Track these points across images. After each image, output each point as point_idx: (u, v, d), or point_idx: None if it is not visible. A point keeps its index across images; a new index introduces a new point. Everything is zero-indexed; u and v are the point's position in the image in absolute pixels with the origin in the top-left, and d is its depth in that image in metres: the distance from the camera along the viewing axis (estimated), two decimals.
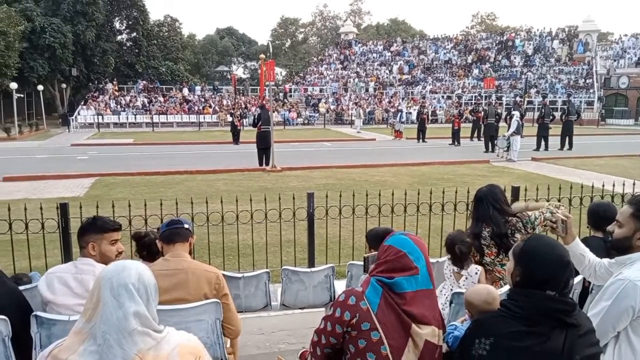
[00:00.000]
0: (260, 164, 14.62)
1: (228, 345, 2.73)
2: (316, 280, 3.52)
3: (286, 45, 70.33)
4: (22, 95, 30.26)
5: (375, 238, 2.78)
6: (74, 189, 11.28)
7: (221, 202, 5.29)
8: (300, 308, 3.74)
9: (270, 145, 14.16)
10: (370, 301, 1.77)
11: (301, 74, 49.50)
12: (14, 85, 26.99)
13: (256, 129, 14.91)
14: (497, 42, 48.57)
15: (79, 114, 33.88)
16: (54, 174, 13.14)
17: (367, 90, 42.78)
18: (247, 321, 3.81)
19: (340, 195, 5.46)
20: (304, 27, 73.87)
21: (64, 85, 39.17)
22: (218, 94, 40.80)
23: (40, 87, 32.31)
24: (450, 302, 2.79)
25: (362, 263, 3.67)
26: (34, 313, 2.31)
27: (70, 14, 36.81)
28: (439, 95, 41.15)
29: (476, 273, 3.17)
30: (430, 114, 33.39)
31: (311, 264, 5.45)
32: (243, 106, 35.09)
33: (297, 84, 44.91)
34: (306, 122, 36.17)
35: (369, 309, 1.75)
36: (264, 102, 15.79)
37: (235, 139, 22.64)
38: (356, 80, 44.42)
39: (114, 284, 1.44)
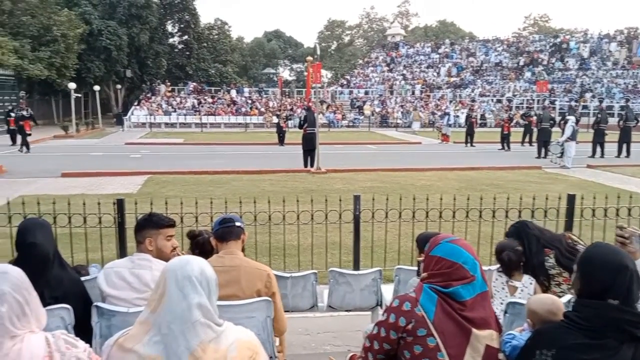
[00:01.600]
0: (305, 166, 14.72)
1: (277, 343, 2.76)
2: (363, 283, 3.50)
3: (332, 48, 70.57)
4: (79, 95, 31.75)
5: (426, 242, 2.72)
6: (128, 186, 11.70)
7: (268, 202, 5.36)
8: (347, 310, 3.73)
9: (315, 147, 14.23)
10: (426, 308, 1.74)
11: (347, 77, 49.50)
12: (72, 86, 28.36)
13: (302, 130, 15.03)
14: (550, 44, 46.91)
15: (132, 114, 35.24)
16: (109, 171, 13.70)
17: (413, 92, 42.28)
18: (293, 321, 3.83)
19: (387, 199, 5.41)
20: (351, 29, 73.94)
21: (118, 86, 40.86)
22: (264, 95, 41.42)
23: (96, 88, 33.81)
24: (505, 312, 2.71)
25: (409, 267, 3.64)
26: (95, 304, 2.41)
27: (125, 17, 38.37)
28: (488, 99, 40.14)
29: (530, 283, 3.06)
30: (479, 117, 32.62)
31: (356, 266, 5.43)
32: (289, 108, 35.46)
33: (342, 86, 44.93)
34: (351, 124, 36.14)
35: (424, 315, 1.73)
36: (310, 104, 15.88)
37: (281, 140, 22.89)
38: (402, 82, 43.99)
39: (179, 276, 1.49)
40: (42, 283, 1.63)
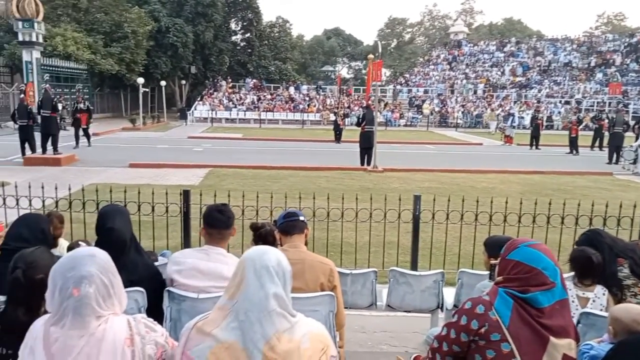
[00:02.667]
0: (362, 164, 14.66)
1: (338, 339, 2.76)
2: (424, 285, 3.44)
3: (392, 46, 69.79)
4: (147, 90, 33.22)
5: (496, 246, 2.63)
6: (191, 178, 12.10)
7: (327, 198, 5.38)
8: (405, 311, 3.68)
9: (372, 145, 14.14)
10: (500, 313, 1.68)
11: (406, 75, 48.82)
12: (140, 80, 29.69)
13: (360, 128, 14.97)
14: (625, 44, 44.05)
15: (195, 109, 36.49)
16: (173, 163, 14.24)
17: (475, 92, 41.06)
18: (350, 318, 3.82)
19: (449, 200, 5.29)
20: (412, 27, 72.84)
21: (183, 82, 42.40)
22: (322, 93, 41.64)
23: (163, 83, 35.21)
24: (578, 323, 2.57)
25: (473, 271, 3.53)
26: (166, 288, 2.51)
27: (192, 15, 39.73)
28: (555, 100, 38.31)
29: (603, 294, 2.88)
30: (545, 119, 31.22)
31: (414, 267, 5.35)
32: (346, 106, 35.44)
33: (401, 85, 44.37)
34: (409, 123, 35.63)
35: (499, 320, 1.68)
36: (369, 102, 15.80)
37: (337, 138, 22.93)
38: (464, 81, 42.83)
39: (257, 265, 1.53)
40: (119, 266, 1.70)
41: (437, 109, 37.61)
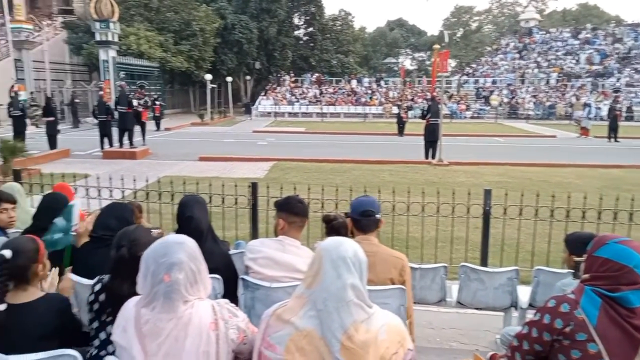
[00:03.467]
0: (427, 157, 14.37)
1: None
2: (497, 282, 3.32)
3: (458, 35, 67.64)
4: (214, 86, 34.30)
5: (578, 243, 2.49)
6: (256, 171, 12.39)
7: (393, 192, 5.33)
8: (476, 308, 3.58)
9: (438, 138, 13.81)
10: (587, 312, 1.59)
11: (473, 65, 47.19)
12: (208, 77, 30.71)
13: (424, 121, 14.67)
14: None
15: (259, 103, 37.28)
16: (239, 157, 14.65)
17: (547, 82, 38.97)
18: (418, 313, 3.76)
19: (522, 195, 5.07)
20: (479, 15, 70.17)
21: (248, 77, 43.44)
22: (384, 85, 41.16)
23: (229, 79, 36.20)
24: None
25: (550, 269, 3.37)
26: (241, 276, 2.60)
27: (256, 11, 40.53)
28: (636, 89, 35.59)
29: None
30: (624, 110, 29.12)
31: (484, 264, 5.18)
32: (409, 98, 34.84)
33: (467, 75, 42.96)
34: (475, 115, 34.45)
35: (585, 319, 1.59)
36: (435, 93, 15.43)
37: (400, 131, 22.60)
38: (535, 70, 40.76)
39: (334, 256, 1.54)
40: None
41: (506, 99, 36.07)
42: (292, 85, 40.68)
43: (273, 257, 2.59)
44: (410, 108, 27.70)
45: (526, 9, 55.05)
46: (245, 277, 2.56)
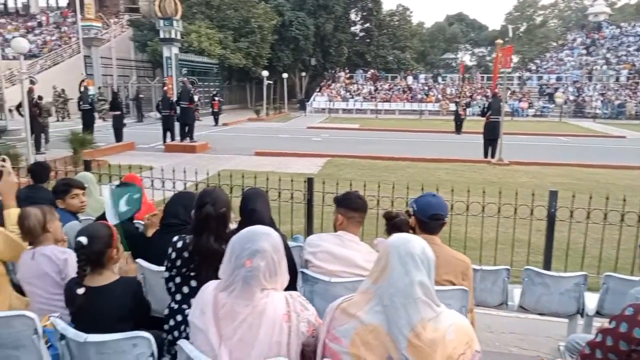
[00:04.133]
0: (486, 156, 13.94)
1: None
2: (564, 287, 3.16)
3: (521, 30, 65.00)
4: (270, 82, 34.83)
5: None
6: (310, 167, 12.48)
7: (452, 191, 5.21)
8: (539, 313, 3.43)
9: (498, 137, 13.36)
10: None
11: (536, 61, 45.22)
12: (265, 73, 31.22)
13: (484, 118, 14.22)
14: None
15: (314, 99, 37.49)
16: (293, 152, 14.80)
17: (617, 79, 36.72)
18: (477, 316, 3.66)
19: (591, 197, 4.82)
20: (544, 9, 67.05)
21: (303, 74, 43.76)
22: (442, 82, 40.25)
23: (284, 75, 36.66)
24: None
25: (622, 277, 3.18)
26: (301, 269, 2.63)
27: (313, 7, 40.69)
28: None
29: None
30: None
31: (547, 268, 4.96)
32: (468, 95, 33.88)
33: (530, 72, 41.22)
34: (538, 113, 33.02)
35: None
36: (496, 90, 14.92)
37: (458, 129, 22.04)
38: (604, 67, 38.51)
39: (402, 252, 1.53)
40: None
41: (571, 97, 34.34)
42: (347, 81, 40.60)
43: (332, 251, 2.60)
44: (468, 105, 26.92)
45: (595, 3, 51.86)
46: (305, 270, 2.59)
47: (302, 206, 5.81)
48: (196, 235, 2.18)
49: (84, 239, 2.10)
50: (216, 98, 25.78)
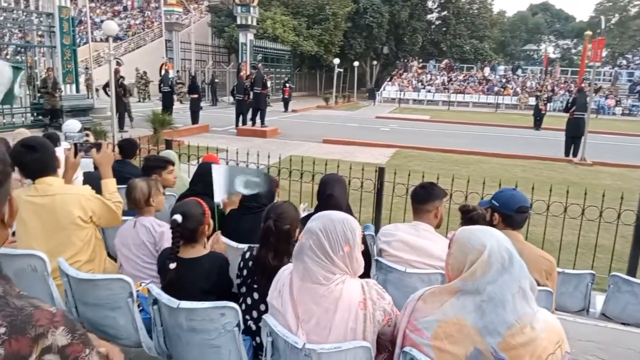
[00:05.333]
0: (567, 154, 13.16)
1: None
2: None
3: (612, 22, 60.39)
4: (341, 70, 34.73)
5: None
6: (378, 157, 12.38)
7: (532, 189, 4.98)
8: (624, 323, 3.22)
9: (582, 134, 12.56)
10: None
11: (628, 55, 41.93)
12: (336, 61, 31.18)
13: (568, 114, 13.40)
14: None
15: (384, 89, 37.01)
16: (361, 141, 14.74)
17: None
18: None
19: None
20: None
21: (374, 62, 43.24)
22: (522, 74, 38.30)
23: (356, 64, 36.40)
24: None
25: None
26: (375, 257, 2.62)
27: None
28: None
29: None
30: None
31: (631, 276, 4.64)
32: (549, 89, 32.06)
33: (620, 67, 38.31)
34: (627, 112, 30.67)
35: None
36: (583, 85, 14.02)
37: (537, 124, 20.94)
38: None
39: (495, 248, 1.49)
40: None
41: None
42: (419, 71, 39.69)
43: (407, 241, 2.57)
44: (550, 99, 25.46)
45: None
46: (380, 258, 2.58)
47: (371, 195, 5.79)
48: (259, 247, 2.20)
49: (178, 217, 2.22)
50: (287, 84, 26.14)
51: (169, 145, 6.21)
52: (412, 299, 1.63)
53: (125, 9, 40.27)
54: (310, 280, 1.70)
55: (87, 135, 2.91)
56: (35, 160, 2.38)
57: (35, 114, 12.11)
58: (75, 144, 2.68)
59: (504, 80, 36.35)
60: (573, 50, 61.21)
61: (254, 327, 2.15)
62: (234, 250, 2.54)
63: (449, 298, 1.51)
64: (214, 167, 3.05)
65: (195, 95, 16.47)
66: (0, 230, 0.96)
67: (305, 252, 1.70)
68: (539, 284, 2.36)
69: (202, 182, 3.17)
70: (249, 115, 16.49)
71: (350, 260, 1.72)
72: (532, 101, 26.80)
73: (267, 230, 2.13)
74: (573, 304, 3.15)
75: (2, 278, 0.91)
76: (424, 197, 2.70)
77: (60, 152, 2.59)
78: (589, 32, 12.96)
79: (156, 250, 2.57)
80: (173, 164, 3.71)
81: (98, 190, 2.63)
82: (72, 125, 4.44)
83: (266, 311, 2.03)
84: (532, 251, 2.44)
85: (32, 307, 0.88)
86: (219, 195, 2.90)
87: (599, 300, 3.25)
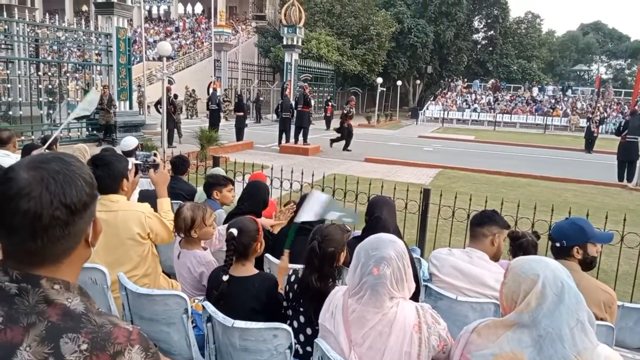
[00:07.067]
0: (621, 179, 12.60)
1: None
2: None
3: None
4: (383, 89, 34.76)
5: None
6: (421, 177, 12.23)
7: (587, 215, 4.76)
8: None
9: (637, 158, 12.01)
10: None
11: None
12: (379, 80, 31.23)
13: (620, 138, 12.86)
14: None
15: (427, 108, 36.70)
16: (404, 161, 14.61)
17: None
18: None
19: None
20: None
21: (418, 81, 43.04)
22: (572, 95, 37.13)
23: (399, 83, 36.36)
24: None
25: None
26: (424, 283, 2.58)
27: (435, 14, 39.69)
28: None
29: None
30: None
31: None
32: (601, 110, 30.92)
33: None
34: None
35: None
36: (636, 107, 13.45)
37: (589, 147, 20.18)
38: None
39: (550, 279, 1.44)
40: None
41: None
42: (464, 90, 39.17)
43: (458, 266, 2.52)
44: (602, 121, 24.52)
45: None
46: (430, 284, 2.53)
47: (415, 216, 5.72)
48: (304, 269, 2.20)
49: (235, 231, 2.27)
50: (330, 103, 26.36)
51: (216, 162, 6.36)
52: (466, 331, 1.59)
53: (177, 29, 41.95)
54: (374, 305, 1.69)
55: (155, 154, 3.02)
56: (102, 177, 2.49)
57: (90, 128, 12.70)
58: (136, 164, 2.79)
59: (553, 101, 35.35)
60: (627, 71, 58.95)
61: (300, 351, 2.15)
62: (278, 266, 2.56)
63: (504, 331, 1.47)
64: (315, 192, 2.93)
65: (241, 113, 16.86)
66: (84, 249, 1.00)
67: (384, 283, 1.69)
68: (597, 318, 2.26)
69: (249, 201, 3.23)
70: (292, 133, 16.71)
71: (405, 281, 1.72)
72: (583, 123, 25.91)
73: (311, 251, 2.14)
74: (633, 341, 2.98)
75: (83, 295, 0.96)
76: (483, 220, 2.66)
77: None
78: None
79: (202, 285, 2.63)
80: (233, 182, 3.80)
81: (154, 208, 2.73)
82: (129, 141, 4.64)
83: (312, 335, 2.03)
84: (589, 282, 2.34)
85: (111, 325, 0.92)
86: (305, 216, 2.83)
87: None
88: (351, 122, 17.65)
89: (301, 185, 6.30)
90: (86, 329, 0.89)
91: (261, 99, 28.74)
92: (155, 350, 0.97)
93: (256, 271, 2.34)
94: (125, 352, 0.90)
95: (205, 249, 2.82)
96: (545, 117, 32.29)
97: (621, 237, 4.59)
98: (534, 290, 1.44)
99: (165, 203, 2.75)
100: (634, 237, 4.68)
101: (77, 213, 0.93)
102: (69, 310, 0.91)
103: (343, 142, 17.16)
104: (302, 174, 6.15)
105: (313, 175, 6.38)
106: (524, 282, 1.47)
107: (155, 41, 35.17)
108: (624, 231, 4.60)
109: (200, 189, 4.42)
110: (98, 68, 13.09)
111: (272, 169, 6.45)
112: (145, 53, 31.22)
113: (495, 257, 2.60)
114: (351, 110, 17.50)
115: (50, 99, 12.04)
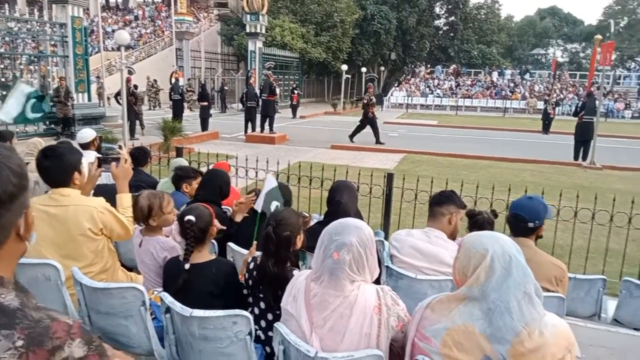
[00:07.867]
0: (576, 158, 13.09)
1: None
2: None
3: (621, 25, 60.00)
4: (348, 77, 34.76)
5: None
6: (385, 162, 12.37)
7: (542, 193, 4.94)
8: (636, 328, 3.19)
9: (591, 138, 12.49)
10: None
11: (637, 58, 41.62)
12: (344, 68, 31.25)
13: (577, 118, 13.33)
14: None
15: (392, 95, 37.01)
16: (369, 147, 14.75)
17: None
18: None
19: None
20: None
21: (382, 68, 43.27)
22: (529, 79, 38.13)
23: (363, 70, 36.45)
24: None
25: None
26: (385, 264, 2.63)
27: (397, 1, 39.86)
28: None
29: None
30: None
31: None
32: (557, 93, 31.89)
33: (628, 70, 38.02)
34: (636, 115, 30.42)
35: None
36: (592, 89, 13.95)
37: (545, 128, 20.84)
38: None
39: (498, 252, 1.49)
40: None
41: None
42: (427, 76, 39.66)
43: (417, 246, 2.58)
44: (558, 103, 25.32)
45: None
46: (390, 265, 2.59)
47: (380, 201, 5.80)
48: (262, 255, 2.20)
49: (192, 217, 2.25)
50: (295, 91, 26.25)
51: (179, 153, 6.26)
52: (420, 307, 1.63)
53: (136, 18, 40.71)
54: (334, 288, 1.71)
55: (120, 147, 2.93)
56: (51, 169, 2.41)
57: (47, 122, 12.26)
58: (98, 158, 2.71)
59: (512, 85, 36.23)
60: (582, 54, 60.90)
61: (262, 337, 2.16)
62: (242, 257, 2.56)
63: (456, 305, 1.51)
64: (269, 178, 2.95)
65: (205, 103, 16.60)
66: (16, 243, 0.95)
67: (343, 268, 1.70)
68: (549, 291, 2.37)
69: (204, 189, 3.21)
70: (258, 122, 16.58)
71: (366, 267, 1.74)
72: (540, 105, 26.69)
73: (267, 237, 2.13)
74: (584, 310, 3.14)
75: (20, 290, 0.92)
76: (441, 200, 2.72)
77: (84, 163, 2.62)
78: (598, 36, 12.90)
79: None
80: (202, 174, 3.76)
81: (112, 202, 2.66)
82: (86, 133, 4.51)
83: (274, 320, 2.05)
84: (542, 258, 2.43)
85: (49, 319, 0.88)
86: (260, 206, 2.81)
87: (610, 306, 3.23)
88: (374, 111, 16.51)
89: (266, 174, 6.29)
90: (22, 325, 0.85)
91: (226, 88, 28.33)
92: (99, 343, 0.93)
93: (213, 256, 2.34)
94: (65, 346, 0.86)
95: (167, 236, 2.79)
96: (505, 101, 33.08)
97: (574, 212, 4.78)
98: (482, 264, 1.48)
99: (125, 199, 2.67)
100: (587, 212, 4.89)
101: (2, 204, 0.88)
102: (2, 306, 0.86)
103: (361, 134, 16.28)
104: (268, 162, 6.12)
105: (278, 163, 6.38)
106: (474, 257, 1.52)
107: (113, 30, 34.05)
108: (577, 207, 4.79)
109: (162, 181, 4.35)
110: (54, 59, 12.63)
111: (236, 158, 6.41)
112: (104, 43, 30.25)
113: (452, 236, 2.67)
114: (372, 98, 16.55)
115: (4, 92, 11.54)
